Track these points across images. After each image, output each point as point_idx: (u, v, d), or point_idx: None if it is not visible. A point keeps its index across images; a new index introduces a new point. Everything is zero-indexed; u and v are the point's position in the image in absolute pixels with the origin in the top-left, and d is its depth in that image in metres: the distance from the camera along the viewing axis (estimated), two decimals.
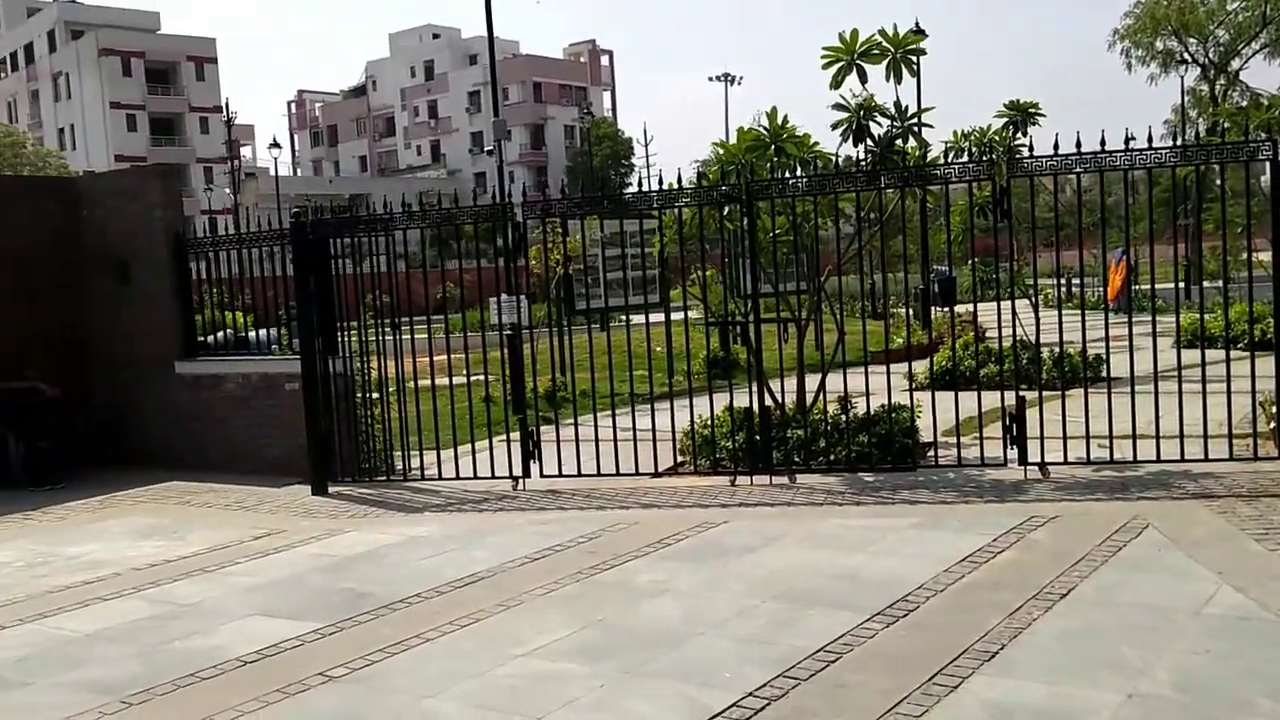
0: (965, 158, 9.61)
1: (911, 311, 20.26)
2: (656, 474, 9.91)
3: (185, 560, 8.31)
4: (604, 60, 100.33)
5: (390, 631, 6.29)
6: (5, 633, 6.72)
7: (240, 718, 5.19)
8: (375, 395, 10.98)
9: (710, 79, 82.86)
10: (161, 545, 8.87)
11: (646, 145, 68.95)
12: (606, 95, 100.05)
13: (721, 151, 10.06)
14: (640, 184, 11.59)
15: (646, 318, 11.06)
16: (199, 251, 12.57)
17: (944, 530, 7.68)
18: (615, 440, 9.88)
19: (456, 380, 10.99)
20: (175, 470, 12.22)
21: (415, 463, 10.91)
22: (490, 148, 24.12)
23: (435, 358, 11.60)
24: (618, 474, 9.88)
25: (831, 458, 9.59)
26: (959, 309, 16.31)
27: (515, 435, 10.29)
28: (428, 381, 10.99)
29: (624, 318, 12.36)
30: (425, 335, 11.27)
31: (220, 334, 12.96)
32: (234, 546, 8.67)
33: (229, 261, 12.18)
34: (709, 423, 10.01)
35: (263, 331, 13.06)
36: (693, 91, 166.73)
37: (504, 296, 12.53)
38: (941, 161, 9.53)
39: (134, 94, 75.60)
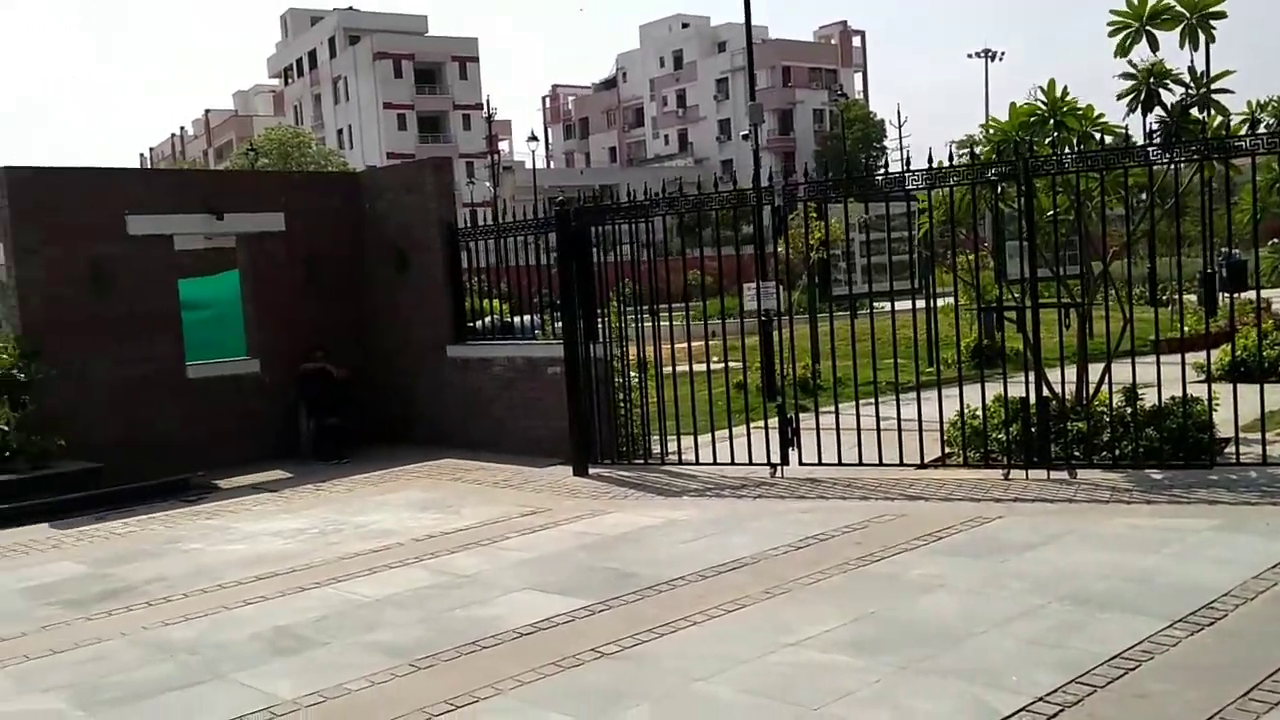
0: (1261, 128, 8.72)
1: (1197, 297, 18.75)
2: (921, 465, 9.57)
3: (460, 533, 8.71)
4: (855, 41, 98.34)
5: (656, 612, 6.33)
6: (306, 594, 7.23)
7: (519, 688, 5.35)
8: (633, 379, 11.15)
9: (970, 55, 79.32)
10: (438, 518, 9.33)
11: (900, 127, 66.77)
12: (858, 77, 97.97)
13: (992, 129, 9.56)
14: (907, 164, 11.11)
15: (914, 302, 10.70)
16: (465, 241, 13.15)
17: (1249, 534, 7.02)
18: (878, 429, 9.61)
19: (706, 366, 10.98)
20: (446, 448, 12.86)
21: (671, 447, 11.00)
22: (745, 132, 23.95)
23: (687, 343, 11.65)
24: (880, 464, 9.61)
25: (1116, 453, 8.95)
26: (1251, 294, 14.92)
27: (772, 422, 10.18)
28: (683, 367, 11.06)
29: (880, 304, 12.00)
30: (681, 322, 11.32)
31: (487, 319, 13.54)
32: (503, 522, 9.01)
33: (490, 251, 12.69)
34: (978, 413, 9.58)
35: (526, 317, 13.54)
36: (949, 70, 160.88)
37: (759, 282, 12.40)
38: (1244, 132, 8.69)
39: (404, 94, 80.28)
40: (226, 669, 5.88)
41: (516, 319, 13.61)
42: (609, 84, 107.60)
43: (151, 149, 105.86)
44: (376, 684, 5.53)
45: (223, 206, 13.04)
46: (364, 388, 13.72)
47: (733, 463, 10.32)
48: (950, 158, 9.33)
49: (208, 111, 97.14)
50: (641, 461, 11.02)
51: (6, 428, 11.39)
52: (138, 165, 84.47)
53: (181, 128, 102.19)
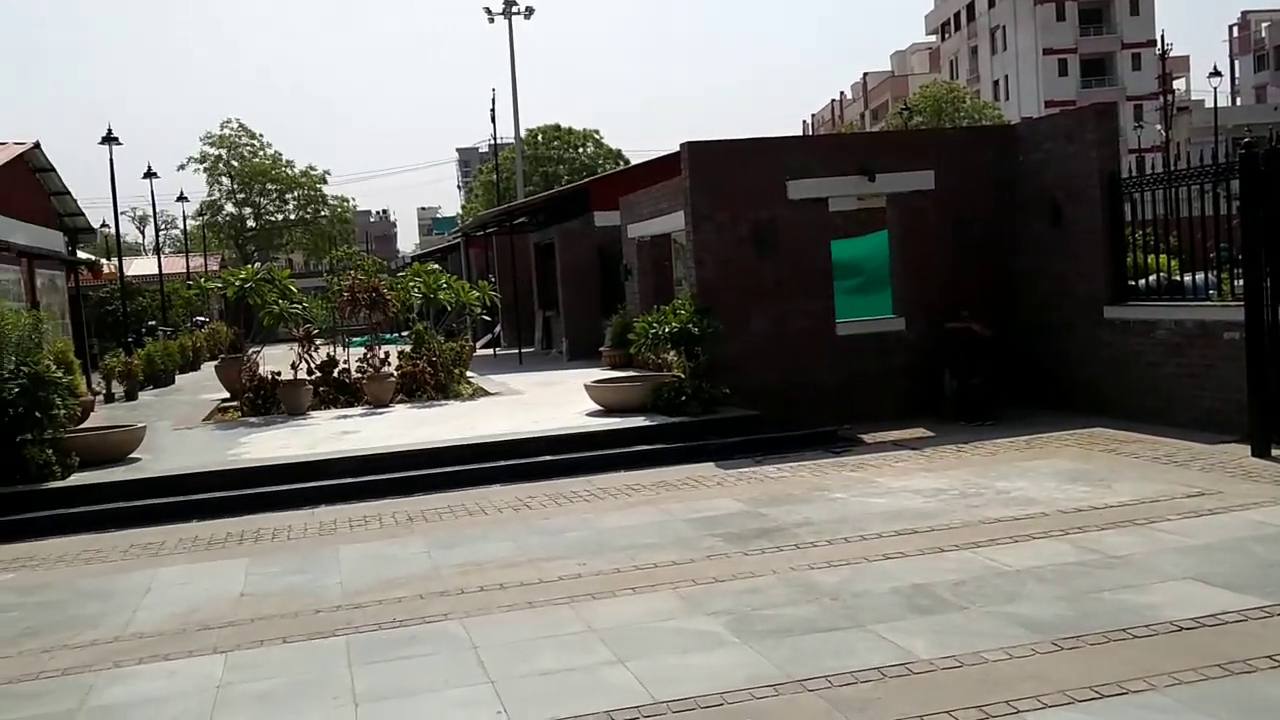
0: None
1: None
2: None
3: (1112, 510, 8.08)
4: None
5: None
6: (944, 556, 7.18)
7: (1176, 686, 4.84)
8: None
9: None
10: (1087, 491, 8.74)
11: None
12: None
13: None
14: None
15: None
16: (1129, 191, 12.09)
17: None
18: None
19: None
20: (1098, 416, 12.04)
21: None
22: None
23: None
24: None
25: None
26: None
27: None
28: None
29: None
30: None
31: (1151, 278, 12.38)
32: (1163, 502, 8.19)
33: (1158, 201, 11.52)
34: None
35: (1198, 275, 12.15)
36: None
37: None
38: None
39: (1066, 38, 76.23)
40: (865, 618, 6.03)
41: (1186, 277, 12.27)
42: None
43: (813, 115, 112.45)
44: (1014, 657, 5.33)
45: (875, 167, 13.35)
46: (1008, 348, 13.30)
47: None
48: None
49: (865, 75, 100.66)
50: None
51: (683, 375, 12.80)
52: (799, 133, 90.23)
53: (841, 93, 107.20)
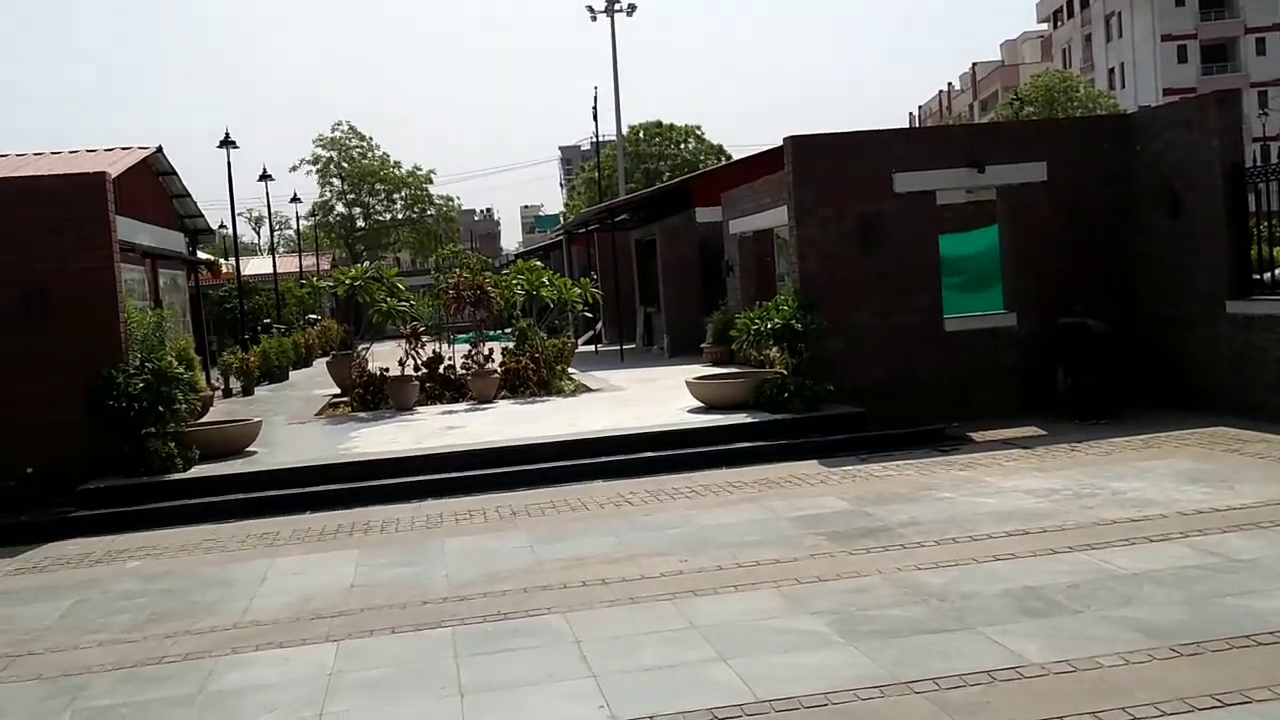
0: None
1: None
2: None
3: (1235, 512, 7.76)
4: None
5: None
6: (1056, 557, 6.99)
7: None
8: None
9: None
10: (1209, 492, 8.42)
11: None
12: None
13: None
14: None
15: None
16: (1254, 181, 11.60)
17: None
18: None
19: None
20: (1220, 414, 11.59)
21: None
22: None
23: None
24: None
25: None
26: None
27: None
28: None
29: None
30: None
31: (1276, 271, 11.87)
32: None
33: None
34: None
35: None
36: None
37: None
38: None
39: (1185, 23, 73.46)
40: (974, 620, 5.91)
41: None
42: None
43: (920, 107, 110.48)
44: (1131, 662, 5.17)
45: (984, 159, 13.06)
46: (1124, 344, 12.88)
47: None
48: None
49: (974, 65, 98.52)
50: None
51: (785, 372, 12.70)
52: (906, 125, 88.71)
53: (949, 84, 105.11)
